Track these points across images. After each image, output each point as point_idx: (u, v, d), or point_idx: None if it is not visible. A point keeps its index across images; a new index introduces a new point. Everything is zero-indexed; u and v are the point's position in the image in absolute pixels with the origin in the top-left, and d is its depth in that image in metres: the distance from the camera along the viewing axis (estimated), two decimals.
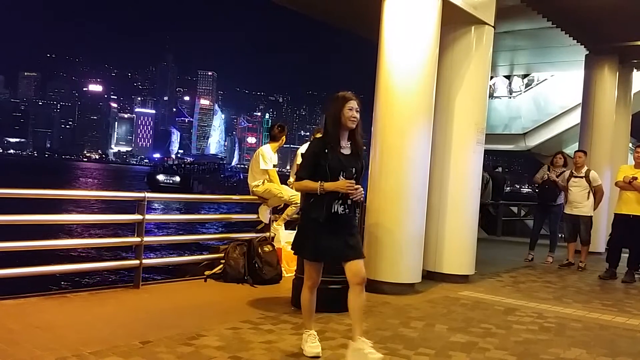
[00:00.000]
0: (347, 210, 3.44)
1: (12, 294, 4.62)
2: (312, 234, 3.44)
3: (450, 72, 6.76)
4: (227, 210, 28.63)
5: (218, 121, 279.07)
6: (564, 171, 8.70)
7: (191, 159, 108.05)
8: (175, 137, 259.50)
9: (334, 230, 3.41)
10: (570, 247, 8.72)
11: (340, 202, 3.41)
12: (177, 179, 56.32)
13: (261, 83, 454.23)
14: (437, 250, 6.66)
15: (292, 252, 3.68)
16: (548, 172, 8.84)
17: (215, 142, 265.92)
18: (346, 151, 3.49)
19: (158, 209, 31.35)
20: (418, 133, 5.82)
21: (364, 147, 3.59)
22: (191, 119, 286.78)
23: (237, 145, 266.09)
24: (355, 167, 3.47)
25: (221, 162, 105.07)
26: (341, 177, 3.39)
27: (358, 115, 3.48)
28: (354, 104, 3.47)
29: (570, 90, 15.22)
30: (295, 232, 3.63)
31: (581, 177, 8.37)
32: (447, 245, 6.68)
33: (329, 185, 3.37)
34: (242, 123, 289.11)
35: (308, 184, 3.43)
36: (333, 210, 3.39)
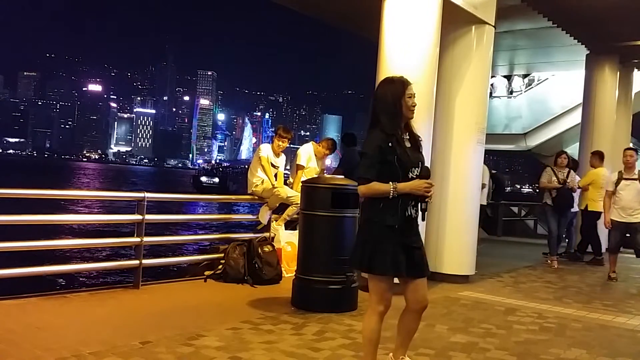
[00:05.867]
0: (419, 214, 2.93)
1: (12, 294, 4.61)
2: (386, 244, 2.85)
3: (450, 72, 6.75)
4: (250, 210, 28.97)
5: (248, 132, 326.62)
6: (569, 171, 8.60)
7: (227, 164, 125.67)
8: (215, 146, 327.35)
9: (402, 240, 2.88)
10: (612, 258, 7.54)
11: (413, 203, 2.89)
12: (217, 180, 65.41)
13: (261, 83, 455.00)
14: (437, 250, 6.65)
15: (359, 269, 3.07)
16: (554, 175, 8.53)
17: (246, 149, 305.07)
18: (407, 144, 2.98)
19: (199, 209, 34.88)
20: (418, 133, 5.79)
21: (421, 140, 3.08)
22: (228, 133, 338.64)
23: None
24: (422, 161, 2.99)
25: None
26: (411, 174, 2.90)
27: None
28: (412, 90, 2.96)
29: (570, 90, 15.22)
30: (359, 244, 2.96)
31: (634, 179, 7.18)
32: (447, 245, 6.67)
33: (404, 187, 2.83)
34: (267, 131, 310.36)
35: (377, 186, 2.82)
36: (407, 215, 2.87)
